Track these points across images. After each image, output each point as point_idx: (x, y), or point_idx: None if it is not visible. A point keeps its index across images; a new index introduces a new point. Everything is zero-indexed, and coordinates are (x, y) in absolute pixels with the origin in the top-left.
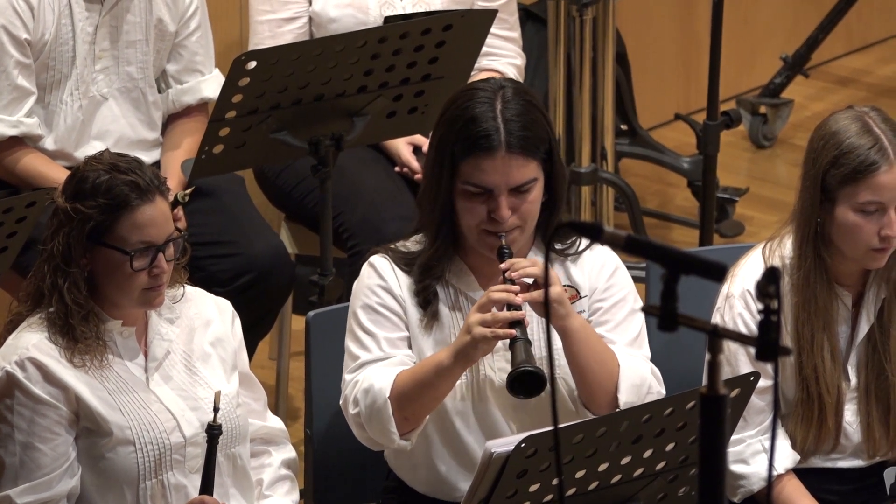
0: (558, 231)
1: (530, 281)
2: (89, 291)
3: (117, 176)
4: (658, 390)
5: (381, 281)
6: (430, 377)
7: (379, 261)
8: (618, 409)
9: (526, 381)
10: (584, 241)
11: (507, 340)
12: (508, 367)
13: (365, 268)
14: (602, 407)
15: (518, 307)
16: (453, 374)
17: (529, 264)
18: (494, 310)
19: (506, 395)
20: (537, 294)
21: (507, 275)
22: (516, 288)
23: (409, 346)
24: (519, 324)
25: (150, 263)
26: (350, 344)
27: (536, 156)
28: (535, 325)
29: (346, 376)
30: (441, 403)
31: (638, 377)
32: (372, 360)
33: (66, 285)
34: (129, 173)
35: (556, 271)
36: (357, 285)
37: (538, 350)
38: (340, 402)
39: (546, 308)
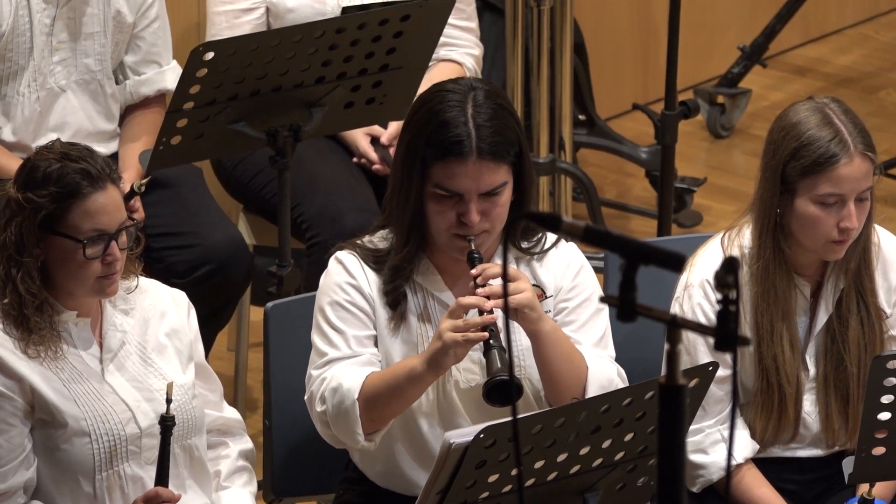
0: (516, 222)
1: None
2: (43, 281)
3: (68, 164)
4: None
5: (351, 279)
6: (401, 383)
7: (347, 257)
8: None
9: (502, 390)
10: (550, 239)
11: (482, 349)
12: (474, 367)
13: (332, 263)
14: None
15: (489, 312)
16: (425, 381)
17: (500, 270)
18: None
19: (471, 396)
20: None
21: (478, 280)
22: (487, 292)
23: (376, 345)
24: (491, 329)
25: (102, 251)
26: (317, 339)
27: (507, 160)
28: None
29: (313, 372)
30: None
31: (605, 379)
32: (339, 358)
33: (20, 275)
34: (81, 161)
35: (523, 272)
36: (325, 281)
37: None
38: (306, 398)
39: (504, 300)
